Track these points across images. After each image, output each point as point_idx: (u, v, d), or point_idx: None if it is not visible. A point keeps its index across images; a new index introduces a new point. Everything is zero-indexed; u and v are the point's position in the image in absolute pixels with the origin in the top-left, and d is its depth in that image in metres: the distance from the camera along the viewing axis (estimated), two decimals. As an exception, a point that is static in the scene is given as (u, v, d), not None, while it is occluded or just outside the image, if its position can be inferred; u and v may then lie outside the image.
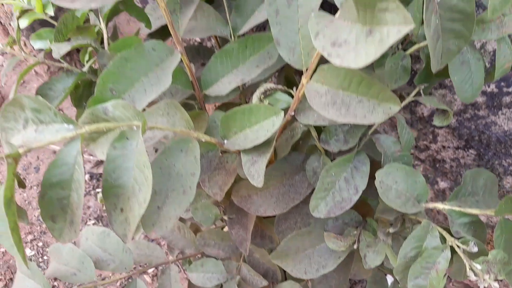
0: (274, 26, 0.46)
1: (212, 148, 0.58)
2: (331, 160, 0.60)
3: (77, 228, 0.38)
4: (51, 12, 0.64)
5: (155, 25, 0.69)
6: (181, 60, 0.53)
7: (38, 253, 1.62)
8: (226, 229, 0.92)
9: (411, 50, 0.54)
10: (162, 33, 0.72)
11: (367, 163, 0.56)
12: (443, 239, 0.52)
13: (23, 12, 0.59)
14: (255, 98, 0.56)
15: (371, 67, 0.58)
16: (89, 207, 1.71)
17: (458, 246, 0.50)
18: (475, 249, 0.49)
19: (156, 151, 0.72)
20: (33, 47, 0.67)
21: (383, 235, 0.58)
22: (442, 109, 0.58)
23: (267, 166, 0.51)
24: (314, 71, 0.46)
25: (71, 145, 0.37)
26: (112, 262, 0.75)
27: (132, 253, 0.76)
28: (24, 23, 0.64)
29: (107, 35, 0.63)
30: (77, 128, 0.37)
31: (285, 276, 0.84)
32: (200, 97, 0.60)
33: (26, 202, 1.73)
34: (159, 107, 0.51)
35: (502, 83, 0.70)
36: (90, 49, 0.67)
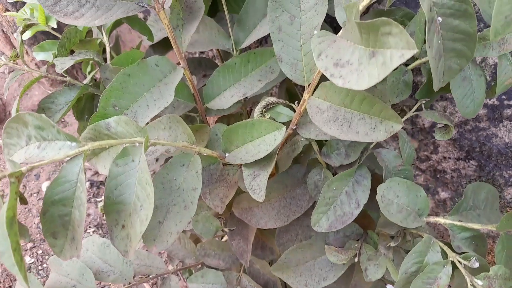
0: (277, 42, 0.46)
1: (213, 161, 0.58)
2: (333, 174, 0.60)
3: (79, 245, 0.38)
4: (54, 24, 0.65)
5: (157, 36, 0.70)
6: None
7: (37, 260, 1.62)
8: (226, 238, 0.92)
9: (413, 65, 0.54)
10: (165, 44, 0.73)
11: (368, 177, 0.56)
12: (444, 254, 0.52)
13: (27, 27, 0.59)
14: (257, 112, 0.56)
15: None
16: (89, 215, 1.70)
17: (459, 262, 0.50)
18: (476, 265, 0.49)
19: (156, 160, 0.72)
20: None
21: (384, 249, 0.58)
22: (443, 124, 0.58)
23: (268, 179, 0.51)
24: (316, 86, 0.46)
25: (73, 162, 0.37)
26: (112, 273, 0.74)
27: (132, 263, 0.76)
28: (27, 35, 0.64)
29: (110, 47, 0.63)
30: (80, 146, 0.37)
31: (286, 288, 0.84)
32: (202, 110, 0.60)
33: (26, 209, 1.73)
34: (161, 121, 0.51)
35: (503, 96, 0.70)
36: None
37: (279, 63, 0.47)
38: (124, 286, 0.77)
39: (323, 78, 0.45)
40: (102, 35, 0.61)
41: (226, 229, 0.70)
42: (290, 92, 0.74)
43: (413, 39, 0.49)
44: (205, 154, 0.50)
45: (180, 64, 0.52)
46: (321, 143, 0.60)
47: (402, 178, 0.55)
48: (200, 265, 0.92)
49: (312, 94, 0.47)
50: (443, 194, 0.99)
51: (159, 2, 0.45)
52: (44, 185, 1.79)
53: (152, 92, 0.48)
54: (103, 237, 1.12)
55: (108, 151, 0.45)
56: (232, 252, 0.79)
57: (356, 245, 0.62)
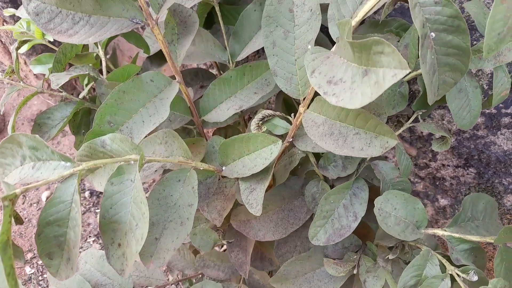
0: (271, 57, 0.46)
1: (210, 174, 0.58)
2: (330, 186, 0.59)
3: (74, 266, 0.38)
4: (50, 38, 0.65)
5: (154, 48, 0.70)
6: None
7: (38, 271, 1.61)
8: (225, 247, 0.91)
9: (408, 77, 0.54)
10: (162, 56, 0.73)
11: (366, 190, 0.56)
12: (443, 267, 0.51)
13: (22, 42, 0.59)
14: (253, 124, 0.56)
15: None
16: (89, 224, 1.70)
17: (458, 275, 0.50)
18: (475, 278, 0.48)
19: (155, 171, 0.72)
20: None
21: (382, 262, 0.58)
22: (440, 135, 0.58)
23: (265, 191, 0.51)
24: (312, 100, 0.46)
25: (68, 182, 0.37)
26: (111, 286, 0.74)
27: (131, 276, 0.76)
28: (23, 49, 0.64)
29: (105, 61, 0.63)
30: (74, 166, 0.37)
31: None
32: (199, 123, 0.60)
33: (26, 219, 1.73)
34: (157, 136, 0.51)
35: (501, 105, 0.70)
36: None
37: (274, 77, 0.47)
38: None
39: (318, 93, 0.45)
40: (98, 48, 0.61)
41: (224, 241, 0.70)
42: (287, 103, 0.74)
43: (408, 51, 0.49)
44: (201, 168, 0.50)
45: (175, 79, 0.52)
46: (318, 155, 0.59)
47: (399, 190, 0.55)
48: (200, 276, 0.91)
49: (307, 108, 0.47)
50: (443, 201, 0.99)
51: (153, 18, 0.45)
52: (44, 195, 1.79)
53: (148, 107, 0.47)
54: (103, 247, 1.12)
55: (104, 168, 0.45)
56: (232, 263, 0.78)
57: (355, 256, 0.62)
